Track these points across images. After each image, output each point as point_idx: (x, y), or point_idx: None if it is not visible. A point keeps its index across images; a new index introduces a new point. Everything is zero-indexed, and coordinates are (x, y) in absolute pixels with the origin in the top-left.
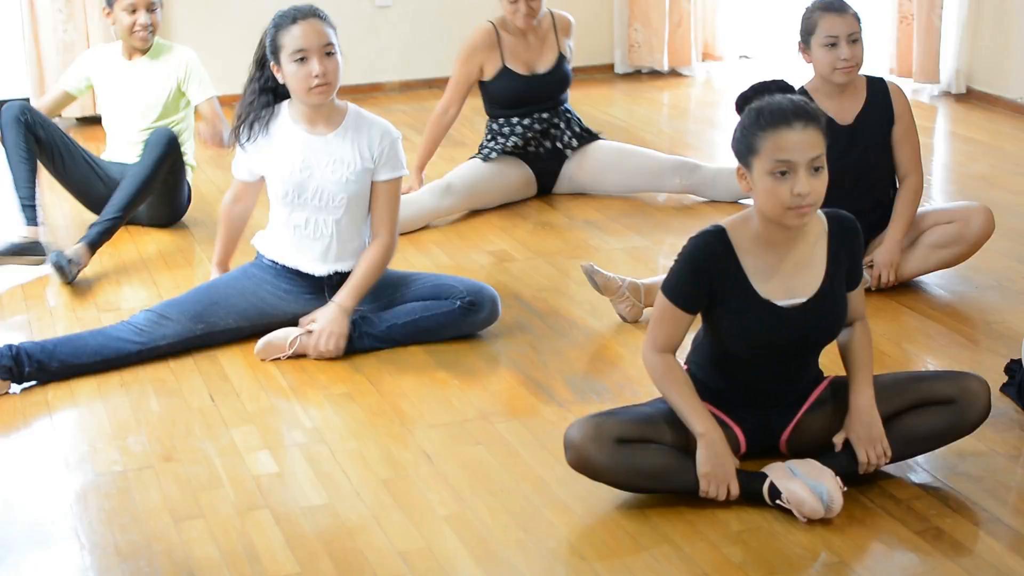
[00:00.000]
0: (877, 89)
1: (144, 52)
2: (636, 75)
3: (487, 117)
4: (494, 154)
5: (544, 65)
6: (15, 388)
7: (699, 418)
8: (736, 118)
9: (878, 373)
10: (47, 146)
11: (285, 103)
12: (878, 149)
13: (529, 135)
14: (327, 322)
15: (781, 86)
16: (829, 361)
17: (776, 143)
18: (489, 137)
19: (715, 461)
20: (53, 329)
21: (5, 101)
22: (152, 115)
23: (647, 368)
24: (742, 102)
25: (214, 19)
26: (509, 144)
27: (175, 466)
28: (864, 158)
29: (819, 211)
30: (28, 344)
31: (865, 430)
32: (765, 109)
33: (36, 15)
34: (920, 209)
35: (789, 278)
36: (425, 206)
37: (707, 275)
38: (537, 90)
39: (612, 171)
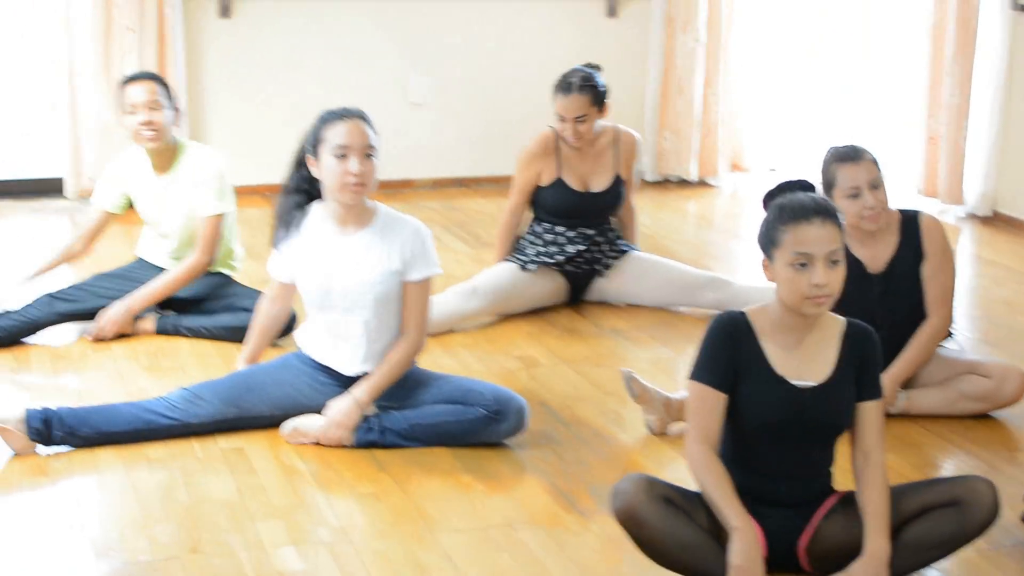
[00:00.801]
0: (909, 226)
1: (168, 162)
2: (664, 183)
3: (531, 214)
4: (532, 266)
5: (599, 183)
6: (42, 450)
7: (736, 512)
8: (762, 215)
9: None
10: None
11: (316, 203)
12: (913, 292)
13: (571, 253)
14: (338, 413)
15: (804, 185)
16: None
17: (796, 236)
18: (529, 242)
19: (748, 555)
20: (88, 398)
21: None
22: (192, 222)
23: (688, 460)
24: (768, 199)
25: (249, 114)
26: (550, 260)
27: (201, 558)
28: (898, 306)
29: (839, 317)
30: (62, 409)
31: None
32: (787, 205)
33: (76, 96)
34: (955, 352)
35: (803, 360)
36: (450, 308)
37: (730, 350)
38: (587, 208)
39: (644, 284)
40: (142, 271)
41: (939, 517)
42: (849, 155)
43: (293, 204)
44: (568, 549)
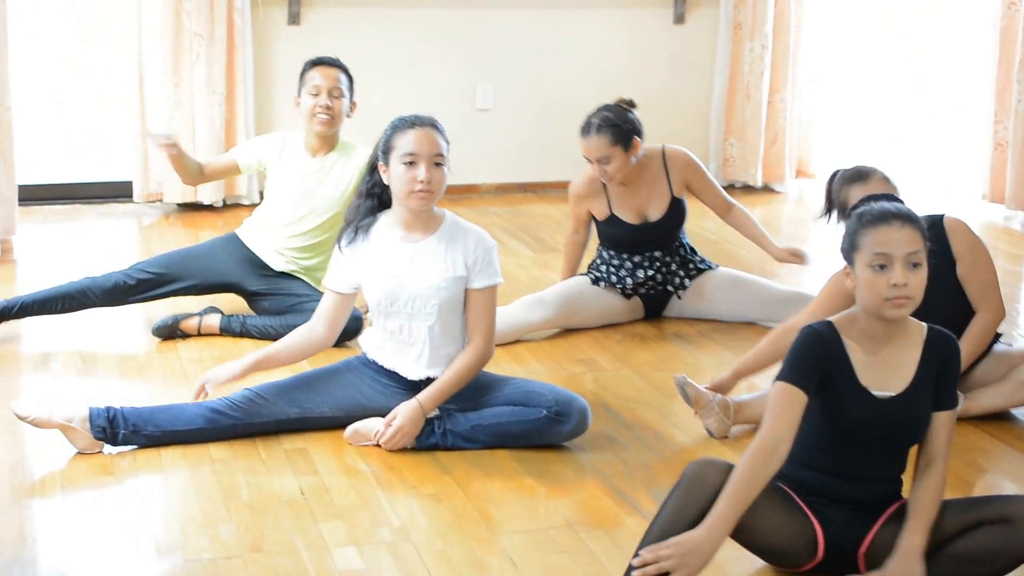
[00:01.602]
0: (934, 232)
1: (329, 148)
2: (730, 189)
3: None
4: (603, 283)
5: (656, 211)
6: (109, 449)
7: (722, 519)
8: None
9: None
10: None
11: (385, 212)
12: (945, 297)
13: (640, 279)
14: (403, 419)
15: (889, 198)
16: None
17: (875, 238)
18: (601, 260)
19: (692, 548)
20: (153, 398)
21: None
22: (323, 215)
23: (747, 452)
24: (852, 211)
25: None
26: (619, 284)
27: (263, 557)
28: (929, 307)
29: (924, 324)
30: (126, 408)
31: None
32: (867, 211)
33: (145, 100)
34: (1007, 348)
35: (884, 371)
36: (515, 319)
37: (820, 356)
38: (648, 236)
39: (724, 301)
40: (233, 246)
41: (988, 533)
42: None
43: (364, 209)
44: (628, 551)
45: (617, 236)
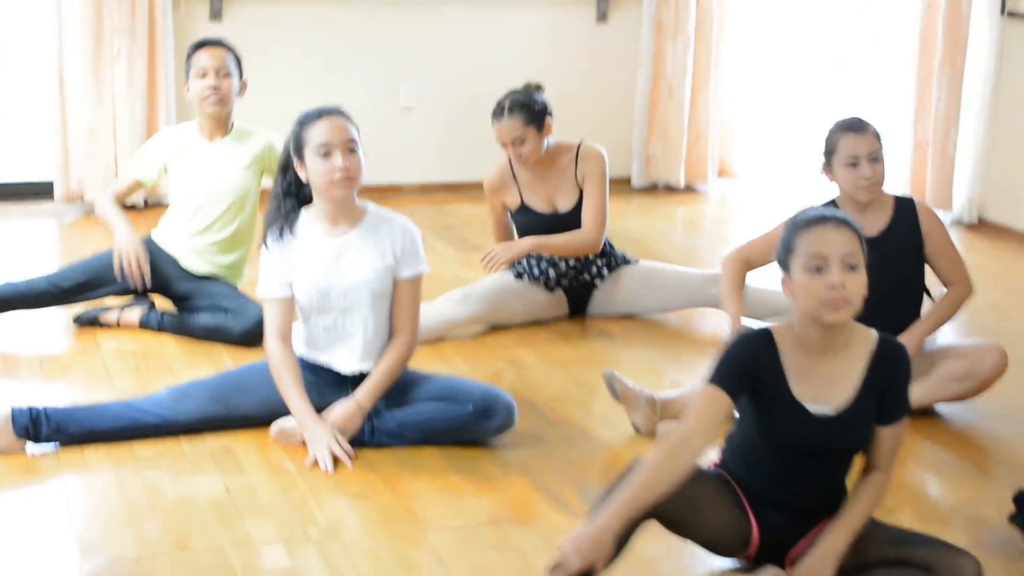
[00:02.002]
0: (904, 208)
1: (224, 132)
2: (652, 189)
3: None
4: (526, 277)
5: (565, 203)
6: (32, 448)
7: (620, 509)
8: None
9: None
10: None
11: (305, 208)
12: (902, 267)
13: (562, 270)
14: (342, 419)
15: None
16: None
17: (810, 239)
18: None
19: (590, 537)
20: (76, 397)
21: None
22: (223, 201)
23: (657, 449)
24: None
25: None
26: (541, 275)
27: (190, 556)
28: (885, 272)
29: (872, 331)
30: (49, 408)
31: (813, 573)
32: (801, 215)
33: (65, 99)
34: (934, 342)
35: (822, 386)
36: (441, 316)
37: (749, 364)
38: (558, 228)
39: (644, 292)
40: (152, 250)
41: (905, 573)
42: (853, 126)
43: (286, 208)
44: (555, 547)
45: (531, 226)
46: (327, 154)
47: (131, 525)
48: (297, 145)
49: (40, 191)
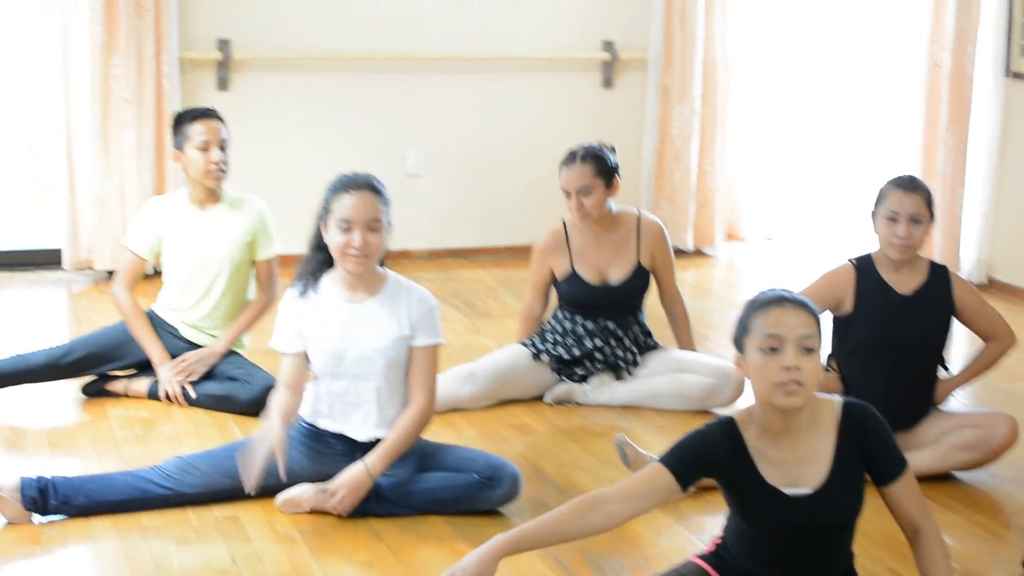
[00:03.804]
0: (939, 274)
1: (212, 201)
2: None
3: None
4: (545, 357)
5: (617, 275)
6: (38, 518)
7: (512, 539)
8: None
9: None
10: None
11: (329, 272)
12: (928, 330)
13: (588, 348)
14: (350, 486)
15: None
16: (866, 558)
17: (766, 320)
18: (550, 327)
19: (481, 561)
20: (83, 466)
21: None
22: (215, 270)
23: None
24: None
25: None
26: (565, 352)
27: None
28: (913, 332)
29: (835, 400)
30: (57, 478)
31: None
32: (759, 296)
33: (74, 167)
34: (945, 409)
35: (794, 467)
36: (444, 393)
37: (707, 457)
38: (604, 301)
39: (665, 389)
40: (156, 324)
41: None
42: (903, 183)
43: (316, 262)
44: None
45: (578, 296)
46: (347, 229)
47: None
48: (325, 210)
49: (48, 259)
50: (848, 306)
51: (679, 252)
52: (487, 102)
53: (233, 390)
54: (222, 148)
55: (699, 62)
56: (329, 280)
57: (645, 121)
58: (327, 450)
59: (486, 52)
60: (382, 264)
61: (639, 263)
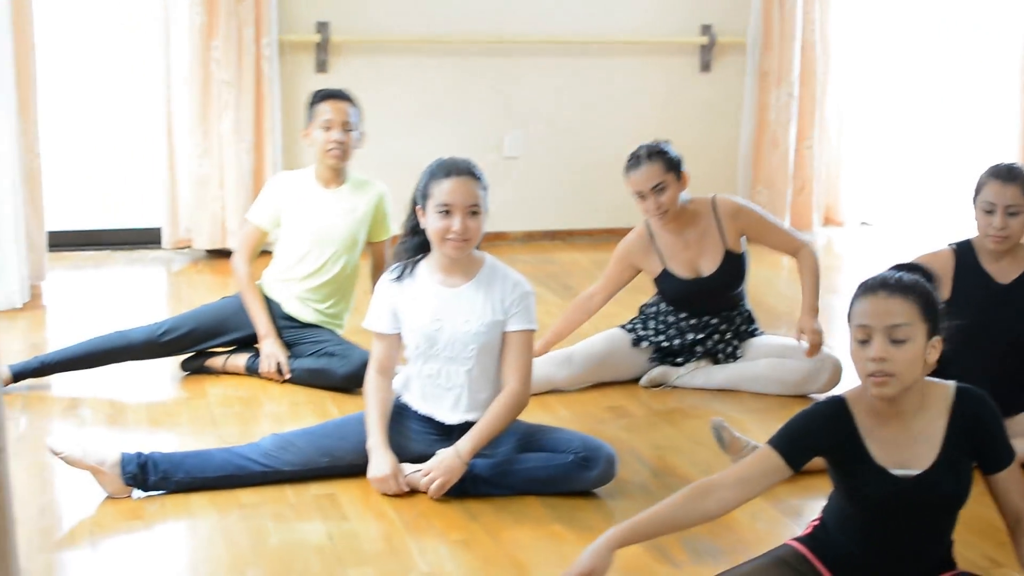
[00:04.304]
0: None
1: (338, 181)
2: None
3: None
4: (645, 344)
5: (709, 265)
6: (137, 493)
7: (626, 533)
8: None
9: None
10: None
11: (426, 256)
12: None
13: (689, 340)
14: (442, 470)
15: (910, 267)
16: (964, 546)
17: (859, 309)
18: (652, 314)
19: (597, 552)
20: (182, 442)
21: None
22: (331, 247)
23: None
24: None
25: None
26: (665, 342)
27: None
28: (1010, 322)
29: (950, 385)
30: (156, 454)
31: None
32: (863, 282)
33: (174, 148)
34: None
35: (904, 448)
36: (541, 376)
37: (817, 436)
38: (703, 292)
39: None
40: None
41: None
42: (1000, 173)
43: (413, 246)
44: None
45: (676, 292)
46: (447, 214)
47: (234, 571)
48: (422, 194)
49: (148, 238)
50: (944, 292)
51: None
52: (585, 85)
53: (331, 364)
54: (348, 129)
55: (797, 45)
56: (425, 263)
57: (743, 105)
58: (424, 431)
59: (584, 35)
60: (478, 247)
61: (727, 250)
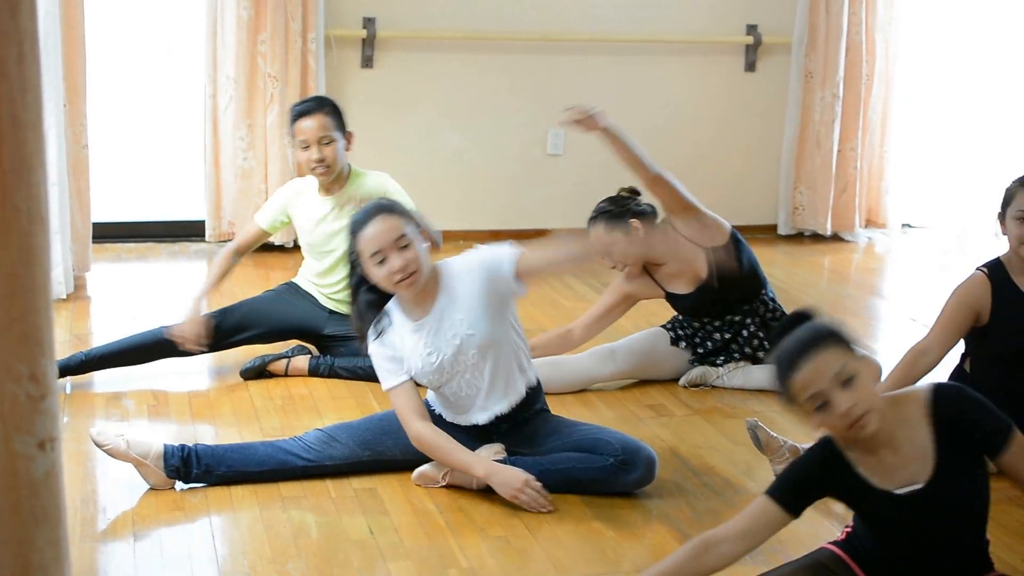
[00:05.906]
0: None
1: (338, 185)
2: (798, 237)
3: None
4: (683, 344)
5: (702, 270)
6: (179, 486)
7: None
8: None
9: None
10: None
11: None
12: None
13: (718, 341)
14: (506, 485)
15: (800, 315)
16: (1001, 546)
17: (800, 384)
18: (678, 322)
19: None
20: (224, 436)
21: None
22: (336, 252)
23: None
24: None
25: (390, 164)
26: (699, 347)
27: None
28: None
29: (922, 389)
30: (200, 447)
31: None
32: (779, 363)
33: (219, 141)
34: None
35: (900, 466)
36: (583, 370)
37: (814, 481)
38: (713, 296)
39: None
40: (298, 292)
41: None
42: None
43: (368, 303)
44: None
45: (691, 306)
46: (383, 261)
47: (275, 563)
48: (354, 253)
49: (191, 230)
50: (985, 317)
51: (817, 237)
52: (628, 84)
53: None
54: (326, 143)
55: (843, 46)
56: (395, 308)
57: (787, 105)
58: (466, 438)
59: (628, 34)
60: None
61: (702, 248)
